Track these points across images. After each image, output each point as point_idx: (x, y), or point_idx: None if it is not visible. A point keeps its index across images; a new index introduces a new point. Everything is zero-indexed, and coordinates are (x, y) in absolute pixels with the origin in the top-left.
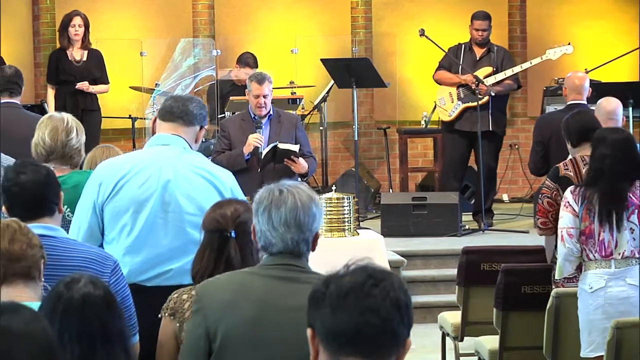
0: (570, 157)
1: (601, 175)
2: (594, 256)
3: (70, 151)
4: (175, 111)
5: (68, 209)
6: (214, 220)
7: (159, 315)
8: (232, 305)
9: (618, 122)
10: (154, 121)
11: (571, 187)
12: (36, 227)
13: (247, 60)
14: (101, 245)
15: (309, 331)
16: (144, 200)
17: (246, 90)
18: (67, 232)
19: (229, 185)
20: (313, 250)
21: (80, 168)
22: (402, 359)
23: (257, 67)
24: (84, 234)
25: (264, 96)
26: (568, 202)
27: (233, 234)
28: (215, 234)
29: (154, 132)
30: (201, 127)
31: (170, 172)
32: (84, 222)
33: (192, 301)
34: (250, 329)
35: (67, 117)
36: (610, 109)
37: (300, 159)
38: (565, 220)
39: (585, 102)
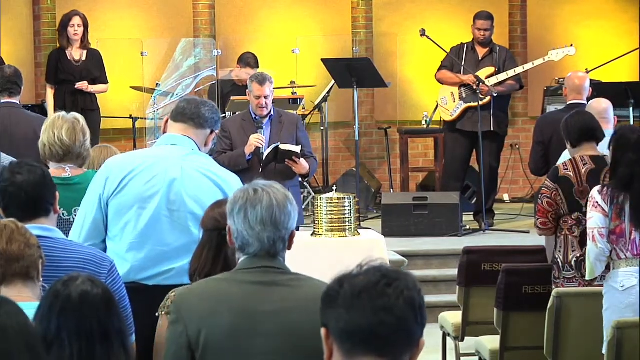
0: (569, 156)
1: (631, 180)
2: (625, 255)
3: (84, 152)
4: (187, 113)
5: None
6: (213, 219)
7: (157, 314)
8: (211, 315)
9: (610, 122)
10: (166, 121)
11: (598, 187)
12: (32, 228)
13: (248, 60)
14: (104, 242)
15: (322, 331)
16: (148, 197)
17: (247, 90)
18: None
19: (236, 188)
20: (289, 249)
21: None
22: (415, 359)
23: (258, 67)
24: (89, 228)
25: (265, 97)
26: (597, 202)
27: None
28: (214, 232)
29: (164, 132)
30: (212, 131)
31: (177, 171)
32: (89, 216)
33: (170, 310)
34: (230, 338)
35: (79, 117)
36: (601, 109)
37: (302, 159)
38: (596, 220)
39: (586, 102)
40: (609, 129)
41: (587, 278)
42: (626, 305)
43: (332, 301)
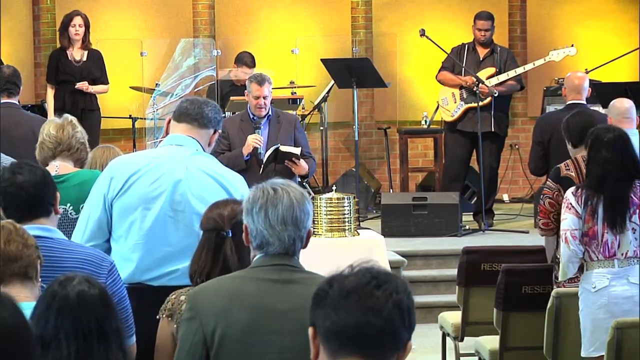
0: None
1: (604, 179)
2: (597, 257)
3: (76, 144)
4: (191, 113)
5: (71, 207)
6: (211, 219)
7: (157, 317)
8: (227, 312)
9: (632, 121)
10: (168, 122)
11: (572, 189)
12: (32, 229)
13: (245, 59)
14: (107, 242)
15: (310, 330)
16: (153, 198)
17: (245, 91)
18: (72, 231)
19: (240, 189)
20: (305, 247)
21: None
22: None
23: (254, 66)
24: (92, 228)
25: (264, 97)
26: (570, 204)
27: (230, 234)
28: (212, 233)
29: (167, 133)
30: (215, 131)
31: (182, 172)
32: (93, 216)
33: (185, 308)
34: (245, 335)
35: (69, 115)
36: (624, 109)
37: (301, 160)
38: (569, 222)
39: (585, 102)
40: (632, 129)
41: (559, 280)
42: (599, 306)
43: (321, 300)
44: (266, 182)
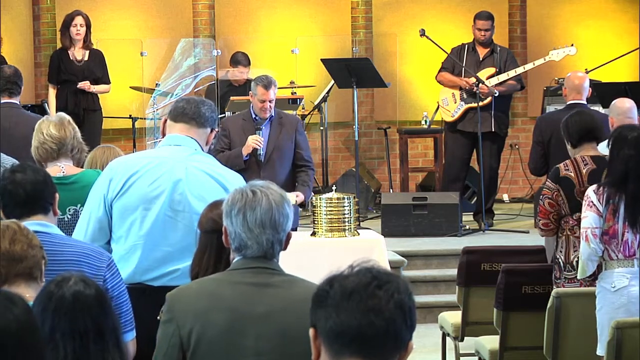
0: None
1: (626, 176)
2: (617, 256)
3: (77, 144)
4: (188, 113)
5: (82, 208)
6: (211, 220)
7: (157, 317)
8: (203, 315)
9: (634, 121)
10: (164, 122)
11: (594, 187)
12: (30, 224)
13: (239, 59)
14: (108, 243)
15: (311, 331)
16: (153, 198)
17: (250, 92)
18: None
19: None
20: (284, 249)
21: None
22: None
23: (249, 64)
24: (93, 229)
25: (270, 100)
26: (592, 202)
27: None
28: (213, 234)
29: (163, 133)
30: (212, 130)
31: (182, 172)
32: (93, 217)
33: (164, 309)
34: (221, 339)
35: (65, 115)
36: (625, 109)
37: (299, 196)
38: (590, 220)
39: (585, 102)
40: None
41: (578, 277)
42: (618, 306)
43: (321, 301)
44: (246, 185)
